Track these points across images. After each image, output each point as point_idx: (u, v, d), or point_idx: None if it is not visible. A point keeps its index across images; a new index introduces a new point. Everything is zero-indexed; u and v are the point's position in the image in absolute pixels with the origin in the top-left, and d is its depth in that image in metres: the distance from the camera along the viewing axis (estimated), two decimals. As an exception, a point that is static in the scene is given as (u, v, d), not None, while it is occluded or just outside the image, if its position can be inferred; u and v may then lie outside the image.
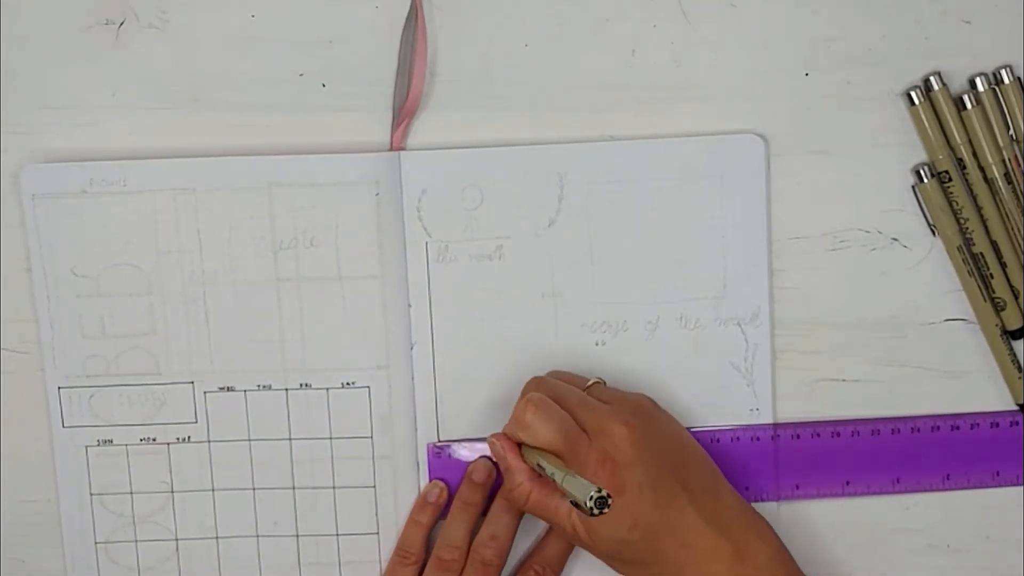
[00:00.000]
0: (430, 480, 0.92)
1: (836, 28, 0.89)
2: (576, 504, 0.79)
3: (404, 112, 0.90)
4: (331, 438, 0.92)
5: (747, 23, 0.90)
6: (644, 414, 0.86)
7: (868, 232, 0.91)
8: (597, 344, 0.92)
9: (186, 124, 0.91)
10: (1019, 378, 0.91)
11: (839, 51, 0.90)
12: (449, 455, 0.92)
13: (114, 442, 0.93)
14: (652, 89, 0.90)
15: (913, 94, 0.89)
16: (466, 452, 0.92)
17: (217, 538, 0.94)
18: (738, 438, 0.92)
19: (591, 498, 0.76)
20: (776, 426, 0.92)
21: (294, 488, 0.93)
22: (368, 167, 0.90)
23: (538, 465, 0.84)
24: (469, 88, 0.90)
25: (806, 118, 0.90)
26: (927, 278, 0.92)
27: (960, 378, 0.92)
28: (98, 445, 0.93)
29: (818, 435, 0.92)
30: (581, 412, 0.85)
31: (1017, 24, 0.89)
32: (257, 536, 0.94)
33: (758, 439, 0.92)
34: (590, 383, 0.89)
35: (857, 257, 0.91)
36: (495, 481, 0.92)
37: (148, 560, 0.94)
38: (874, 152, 0.90)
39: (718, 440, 0.92)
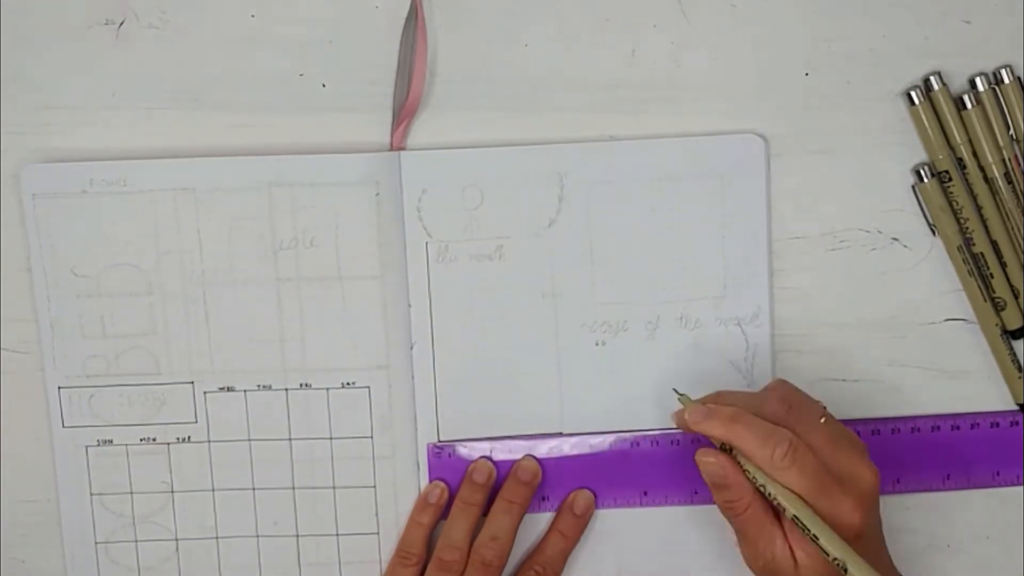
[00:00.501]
0: (430, 480, 0.92)
1: (836, 28, 0.89)
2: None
3: (404, 112, 0.90)
4: (331, 438, 0.92)
5: (747, 23, 0.90)
6: (866, 451, 0.83)
7: (868, 232, 0.91)
8: (597, 344, 0.92)
9: (186, 124, 0.91)
10: (1019, 378, 0.91)
11: (839, 51, 0.90)
12: (449, 455, 0.92)
13: (114, 442, 0.93)
14: (652, 89, 0.90)
15: (913, 94, 0.89)
16: (466, 452, 0.92)
17: (217, 538, 0.94)
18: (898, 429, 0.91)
19: None
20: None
21: (294, 488, 0.93)
22: (368, 167, 0.90)
23: (782, 501, 0.81)
24: (469, 88, 0.90)
25: (806, 118, 0.90)
26: (927, 278, 0.92)
27: (960, 378, 0.92)
28: (98, 445, 0.93)
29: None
30: (831, 455, 0.81)
31: (1017, 24, 0.89)
32: (257, 536, 0.94)
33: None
34: (824, 410, 0.84)
35: (857, 257, 0.91)
36: (496, 482, 0.92)
37: (148, 560, 0.94)
38: (874, 152, 0.90)
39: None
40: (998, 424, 0.92)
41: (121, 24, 0.90)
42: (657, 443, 0.92)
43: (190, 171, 0.91)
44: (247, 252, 0.91)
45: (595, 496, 0.92)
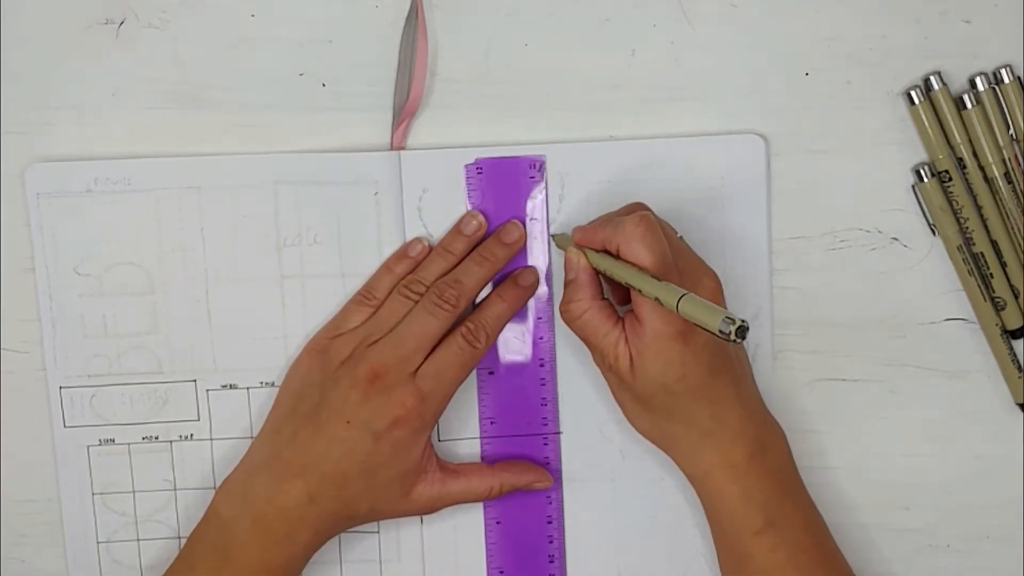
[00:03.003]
0: None
1: (836, 28, 0.89)
2: (700, 326, 0.77)
3: (405, 112, 0.90)
4: (331, 437, 0.93)
5: (747, 23, 0.90)
6: (720, 283, 0.86)
7: (868, 232, 0.91)
8: (597, 344, 0.92)
9: (186, 124, 0.91)
10: (1019, 378, 0.91)
11: (839, 51, 0.90)
12: None
13: (116, 441, 0.93)
14: (652, 89, 0.90)
15: (913, 94, 0.89)
16: None
17: (219, 536, 0.94)
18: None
19: (736, 326, 0.74)
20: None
21: (295, 487, 0.93)
22: (368, 167, 0.90)
23: (624, 275, 0.83)
24: (469, 88, 0.90)
25: (806, 118, 0.90)
26: (927, 278, 0.92)
27: (960, 378, 0.92)
28: (100, 444, 0.93)
29: None
30: (677, 254, 0.84)
31: (1017, 24, 0.89)
32: (259, 535, 0.94)
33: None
34: (678, 235, 0.88)
35: (857, 257, 0.91)
36: (481, 236, 0.91)
37: (151, 559, 0.94)
38: (874, 152, 0.90)
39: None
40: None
41: (121, 24, 0.90)
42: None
43: (193, 170, 0.91)
44: (250, 250, 0.91)
45: None
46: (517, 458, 0.93)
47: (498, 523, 0.94)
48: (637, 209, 0.87)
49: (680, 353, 0.83)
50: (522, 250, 0.91)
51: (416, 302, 0.88)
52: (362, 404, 0.86)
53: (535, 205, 0.91)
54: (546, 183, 0.90)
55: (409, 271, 0.90)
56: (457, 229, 0.90)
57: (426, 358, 0.87)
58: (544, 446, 0.93)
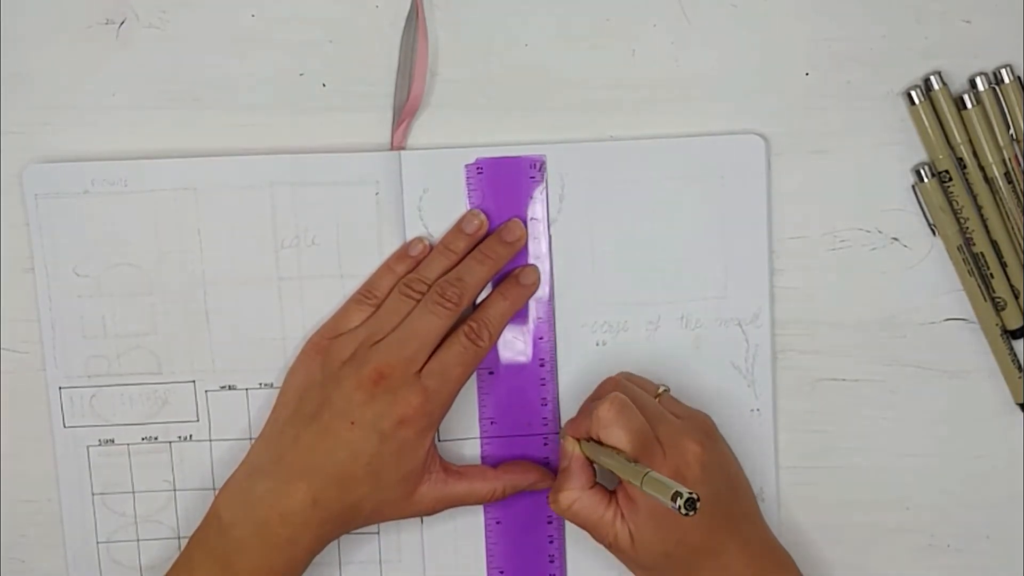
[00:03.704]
0: None
1: (836, 28, 0.89)
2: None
3: (405, 112, 0.90)
4: (331, 437, 0.93)
5: (747, 23, 0.90)
6: (710, 435, 0.88)
7: (868, 232, 0.91)
8: (598, 344, 0.92)
9: (187, 124, 0.91)
10: (1019, 378, 0.91)
11: (839, 51, 0.90)
12: None
13: (115, 441, 0.93)
14: (652, 89, 0.90)
15: (913, 94, 0.89)
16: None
17: (219, 537, 0.94)
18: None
19: (684, 499, 0.76)
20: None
21: (294, 487, 0.93)
22: (368, 167, 0.90)
23: (605, 462, 0.84)
24: (469, 88, 0.90)
25: (806, 118, 0.90)
26: (927, 278, 0.92)
27: (960, 378, 0.92)
28: (99, 445, 0.93)
29: None
30: (657, 424, 0.85)
31: (1017, 24, 0.89)
32: (258, 535, 0.94)
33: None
34: (659, 391, 0.89)
35: (857, 257, 0.91)
36: (483, 235, 0.91)
37: (150, 559, 0.94)
38: (874, 152, 0.90)
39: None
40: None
41: (121, 24, 0.90)
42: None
43: (191, 171, 0.91)
44: (248, 251, 0.91)
45: None
46: (518, 459, 0.93)
47: (498, 523, 0.94)
48: (611, 388, 0.88)
49: (675, 521, 0.84)
50: (523, 249, 0.91)
51: (418, 301, 0.88)
52: (367, 404, 0.86)
53: (536, 205, 0.91)
54: (546, 183, 0.90)
55: (410, 270, 0.90)
56: (458, 228, 0.90)
57: (430, 357, 0.87)
58: (544, 446, 0.93)
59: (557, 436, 0.93)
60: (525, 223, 0.91)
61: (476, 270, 0.89)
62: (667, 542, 0.85)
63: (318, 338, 0.91)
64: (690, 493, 0.76)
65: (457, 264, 0.90)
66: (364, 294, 0.90)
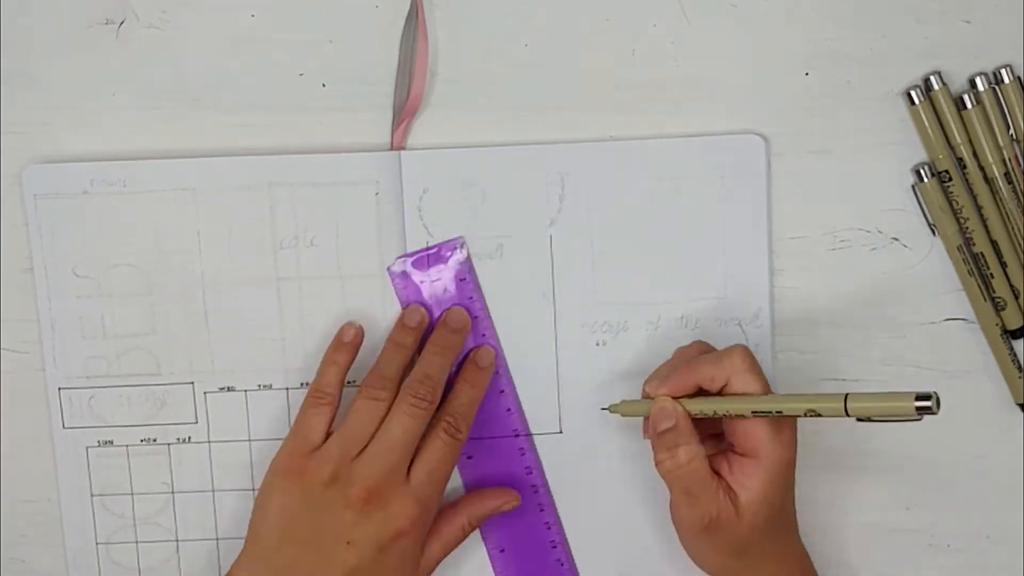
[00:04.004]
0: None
1: (836, 28, 0.89)
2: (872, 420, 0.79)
3: (405, 112, 0.90)
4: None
5: (747, 23, 0.90)
6: (784, 469, 0.86)
7: (868, 232, 0.91)
8: (597, 344, 0.92)
9: (186, 124, 0.91)
10: (1019, 378, 0.91)
11: (839, 51, 0.90)
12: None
13: (114, 443, 0.93)
14: (652, 89, 0.90)
15: (913, 94, 0.89)
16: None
17: (217, 539, 0.94)
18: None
19: (934, 399, 0.76)
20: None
21: (294, 488, 0.93)
22: (368, 167, 0.90)
23: (738, 408, 0.83)
24: (469, 88, 0.90)
25: (806, 118, 0.90)
26: (927, 278, 0.92)
27: (960, 378, 0.92)
28: (98, 446, 0.93)
29: None
30: (733, 435, 0.86)
31: (1017, 24, 0.89)
32: (257, 536, 0.94)
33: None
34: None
35: (857, 257, 0.91)
36: (426, 325, 0.91)
37: (149, 561, 0.94)
38: (874, 152, 0.90)
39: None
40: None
41: (121, 24, 0.90)
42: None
43: (190, 171, 0.91)
44: (247, 252, 0.91)
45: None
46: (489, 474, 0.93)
47: (502, 551, 0.94)
48: (694, 352, 0.88)
49: (790, 480, 0.85)
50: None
51: (384, 401, 0.87)
52: (361, 523, 0.86)
53: (466, 284, 0.91)
54: (470, 258, 0.91)
55: (351, 359, 0.90)
56: (402, 324, 0.90)
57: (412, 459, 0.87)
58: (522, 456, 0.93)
59: (528, 437, 0.93)
60: (467, 307, 0.91)
61: (437, 362, 0.89)
62: (775, 501, 0.84)
63: (287, 459, 0.88)
64: (932, 392, 0.76)
65: (409, 358, 0.90)
66: (316, 396, 0.89)
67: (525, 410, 0.92)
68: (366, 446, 0.86)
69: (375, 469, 0.86)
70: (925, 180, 0.90)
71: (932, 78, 0.89)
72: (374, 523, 0.86)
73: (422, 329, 0.91)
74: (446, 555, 0.90)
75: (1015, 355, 0.91)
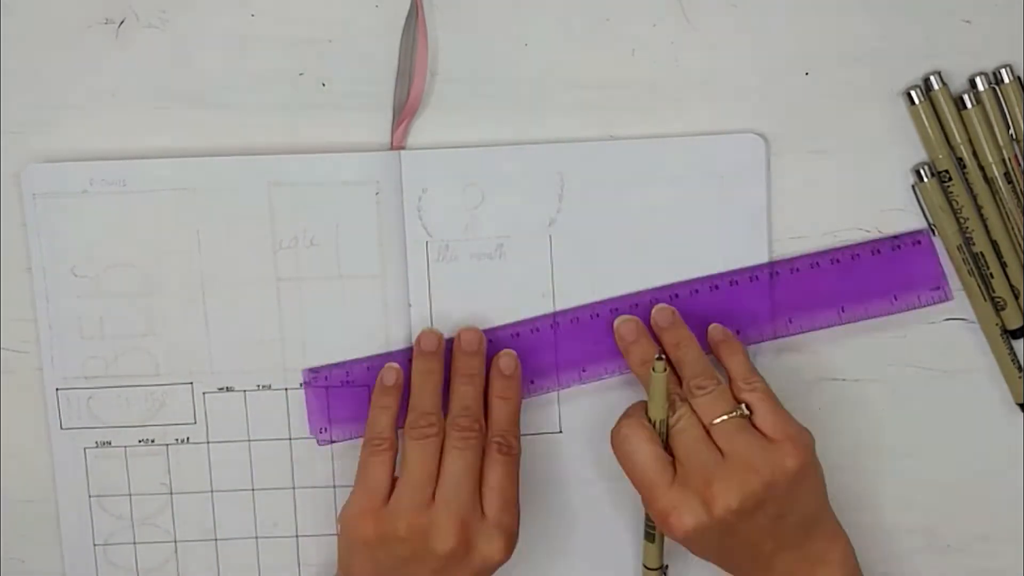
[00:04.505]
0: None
1: (836, 28, 0.89)
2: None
3: (405, 111, 0.90)
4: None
5: (747, 23, 0.90)
6: (753, 482, 0.84)
7: (868, 232, 0.91)
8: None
9: (186, 124, 0.91)
10: (1019, 378, 0.91)
11: (839, 51, 0.90)
12: None
13: (113, 444, 0.93)
14: (652, 89, 0.90)
15: (913, 93, 0.89)
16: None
17: (216, 539, 0.94)
18: (736, 281, 0.91)
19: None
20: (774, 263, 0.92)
21: (294, 488, 0.93)
22: (368, 167, 0.90)
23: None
24: (469, 87, 0.90)
25: (806, 118, 0.90)
26: (927, 278, 0.92)
27: (960, 378, 0.92)
28: (96, 447, 0.93)
29: (817, 264, 0.91)
30: (687, 453, 0.85)
31: (1017, 24, 0.89)
32: (256, 537, 0.94)
33: (756, 279, 0.92)
34: (729, 414, 0.86)
35: (857, 257, 0.92)
36: (444, 346, 0.91)
37: (147, 562, 0.94)
38: (874, 152, 0.90)
39: (717, 287, 0.91)
40: (900, 247, 0.91)
41: (121, 24, 0.90)
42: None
43: (190, 171, 0.91)
44: (247, 252, 0.91)
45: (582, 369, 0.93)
46: None
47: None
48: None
49: (707, 538, 0.85)
50: None
51: (434, 436, 0.88)
52: (456, 567, 0.87)
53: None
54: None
55: (398, 402, 0.90)
56: (420, 351, 0.90)
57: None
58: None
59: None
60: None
61: (469, 392, 0.90)
62: (705, 550, 0.87)
63: (359, 519, 0.88)
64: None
65: (440, 380, 0.90)
66: (375, 444, 0.89)
67: (525, 410, 0.92)
68: (435, 492, 0.87)
69: (451, 517, 0.87)
70: (925, 180, 0.90)
71: (932, 78, 0.89)
72: (468, 566, 0.87)
73: (442, 349, 0.91)
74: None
75: (1015, 355, 0.91)
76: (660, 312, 0.90)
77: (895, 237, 0.91)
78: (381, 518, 0.87)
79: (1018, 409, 0.92)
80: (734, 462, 0.84)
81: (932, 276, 0.91)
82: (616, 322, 0.91)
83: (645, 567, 0.90)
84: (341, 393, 0.92)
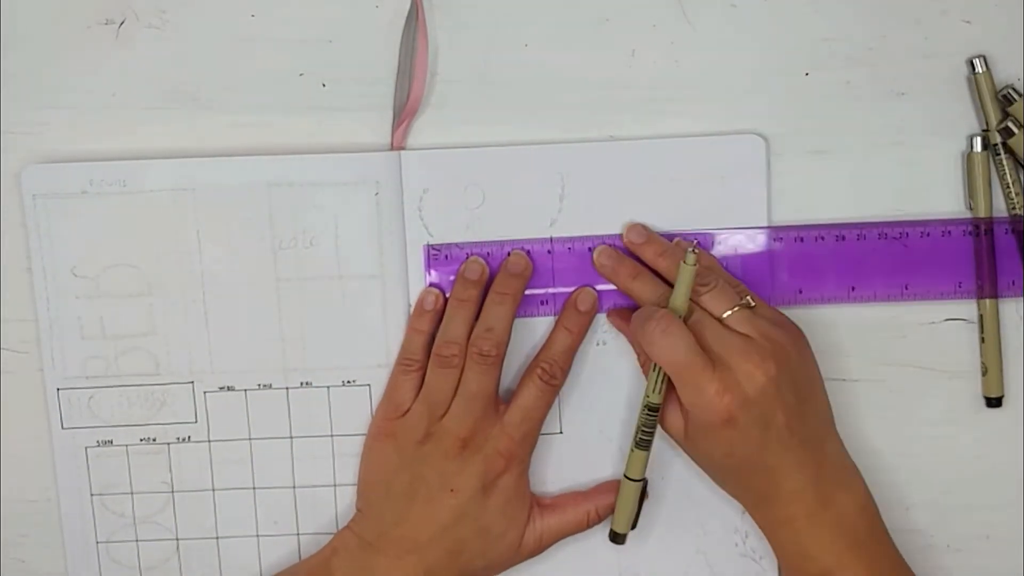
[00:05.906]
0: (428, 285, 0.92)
1: (836, 28, 0.89)
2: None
3: (405, 112, 0.90)
4: (332, 436, 0.93)
5: (747, 23, 0.90)
6: (781, 356, 0.85)
7: (868, 232, 0.91)
8: (598, 344, 0.92)
9: (186, 124, 0.91)
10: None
11: (839, 51, 0.90)
12: (447, 256, 0.91)
13: (114, 443, 0.93)
14: (652, 89, 0.90)
15: (976, 62, 0.89)
16: (461, 253, 0.92)
17: (217, 538, 0.94)
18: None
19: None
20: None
21: (294, 487, 0.93)
22: (368, 167, 0.90)
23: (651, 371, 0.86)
24: (469, 88, 0.90)
25: (806, 118, 0.90)
26: (927, 278, 0.92)
27: (960, 378, 0.92)
28: (98, 446, 0.93)
29: (822, 239, 0.91)
30: (714, 341, 0.84)
31: (1017, 24, 0.89)
32: (257, 536, 0.94)
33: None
34: (738, 305, 0.86)
35: (857, 257, 0.92)
36: (488, 278, 0.91)
37: (149, 560, 0.94)
38: (874, 152, 0.90)
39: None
40: (949, 233, 0.91)
41: (121, 24, 0.90)
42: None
43: (190, 171, 0.91)
44: (247, 252, 0.91)
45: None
46: None
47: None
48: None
49: (723, 436, 0.84)
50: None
51: (455, 366, 0.89)
52: (460, 470, 0.89)
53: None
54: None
55: (434, 324, 0.91)
56: (462, 277, 0.90)
57: (508, 405, 0.90)
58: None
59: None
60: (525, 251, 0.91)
61: (499, 313, 0.89)
62: (715, 451, 0.85)
63: (382, 422, 0.91)
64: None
65: (474, 311, 0.90)
66: (405, 363, 0.91)
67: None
68: (450, 406, 0.89)
69: (463, 421, 0.88)
70: (976, 150, 0.90)
71: (976, 61, 0.89)
72: (472, 467, 0.89)
73: (483, 282, 0.90)
74: (564, 535, 0.92)
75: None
76: (631, 230, 0.90)
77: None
78: (400, 424, 0.90)
79: (1018, 409, 0.92)
80: (759, 341, 0.84)
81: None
82: (595, 253, 0.91)
83: (627, 478, 0.89)
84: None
